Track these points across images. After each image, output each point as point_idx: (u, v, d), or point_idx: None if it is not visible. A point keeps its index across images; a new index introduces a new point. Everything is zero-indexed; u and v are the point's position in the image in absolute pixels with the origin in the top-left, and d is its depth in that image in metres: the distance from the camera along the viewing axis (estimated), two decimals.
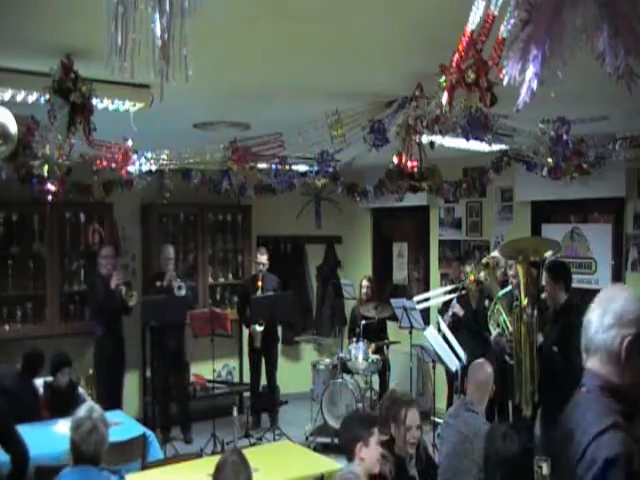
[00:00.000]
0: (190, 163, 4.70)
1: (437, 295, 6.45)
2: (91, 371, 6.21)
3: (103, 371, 6.09)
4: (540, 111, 3.30)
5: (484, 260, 5.14)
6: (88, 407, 2.81)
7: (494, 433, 2.64)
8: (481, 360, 3.89)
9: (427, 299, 6.48)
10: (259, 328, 6.73)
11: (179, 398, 6.78)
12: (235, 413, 4.89)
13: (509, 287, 4.79)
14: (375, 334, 6.80)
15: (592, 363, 1.80)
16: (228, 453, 2.71)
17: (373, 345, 6.65)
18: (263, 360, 7.02)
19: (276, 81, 3.59)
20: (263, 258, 6.86)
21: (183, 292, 6.39)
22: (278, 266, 7.52)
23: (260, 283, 6.79)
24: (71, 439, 2.73)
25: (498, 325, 4.62)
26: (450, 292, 6.16)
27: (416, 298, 6.43)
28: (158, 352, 6.68)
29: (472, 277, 5.79)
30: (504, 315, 4.49)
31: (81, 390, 5.30)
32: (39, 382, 5.09)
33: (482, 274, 5.03)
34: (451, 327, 5.79)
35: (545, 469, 2.98)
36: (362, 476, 2.97)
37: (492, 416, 5.40)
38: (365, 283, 7.15)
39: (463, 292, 6.00)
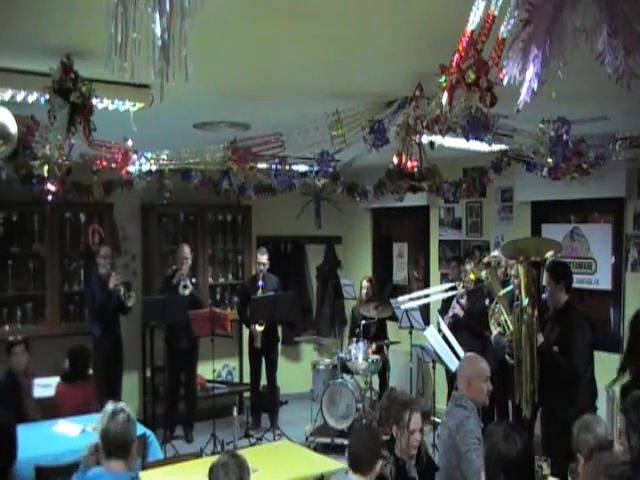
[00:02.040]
0: (190, 163, 4.69)
1: (432, 293, 6.44)
2: (91, 371, 6.19)
3: (101, 371, 6.09)
4: (540, 111, 3.30)
5: (485, 259, 5.14)
6: (112, 404, 2.82)
7: (494, 433, 2.63)
8: (468, 354, 3.88)
9: (420, 297, 6.45)
10: (259, 328, 6.73)
11: (188, 397, 6.81)
12: (235, 413, 4.89)
13: (510, 286, 4.78)
14: (375, 334, 6.80)
15: None
16: (221, 456, 2.71)
17: (373, 345, 6.65)
18: (263, 360, 7.03)
19: (276, 81, 3.59)
20: (263, 258, 6.87)
21: (187, 292, 6.43)
22: (278, 266, 7.52)
23: (260, 283, 6.79)
24: (105, 431, 2.71)
25: (499, 325, 4.62)
26: (447, 290, 6.15)
27: (401, 298, 6.37)
28: (171, 351, 6.68)
29: (472, 276, 5.79)
30: (505, 314, 4.49)
31: None
32: (54, 380, 5.11)
33: (483, 273, 5.03)
34: (451, 327, 5.79)
35: (545, 469, 2.98)
36: None
37: (492, 416, 5.41)
38: (365, 284, 7.14)
39: (462, 290, 6.01)
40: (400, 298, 6.39)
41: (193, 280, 6.59)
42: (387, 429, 3.36)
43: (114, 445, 2.70)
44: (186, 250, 6.64)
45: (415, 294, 6.50)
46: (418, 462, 3.37)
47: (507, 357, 4.45)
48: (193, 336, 6.51)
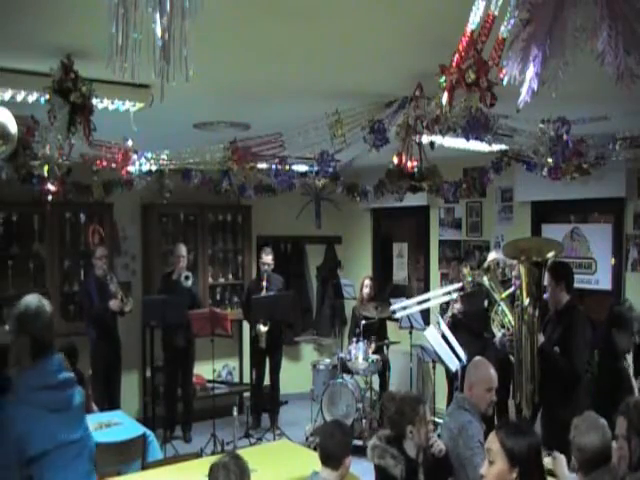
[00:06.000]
0: (190, 163, 4.69)
1: (437, 296, 6.43)
2: (90, 372, 6.19)
3: (101, 372, 6.09)
4: (540, 111, 3.30)
5: (485, 264, 5.12)
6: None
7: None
8: (477, 358, 3.86)
9: (426, 300, 6.44)
10: (264, 328, 6.72)
11: (185, 396, 6.81)
12: (235, 413, 4.89)
13: (512, 288, 4.77)
14: (375, 334, 6.80)
15: None
16: (222, 457, 2.69)
17: (373, 345, 6.65)
18: (267, 361, 7.02)
19: (276, 81, 3.59)
20: (268, 258, 6.87)
21: (190, 282, 6.46)
22: (278, 266, 7.51)
23: (265, 283, 6.79)
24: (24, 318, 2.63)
25: (503, 326, 4.60)
26: (450, 293, 6.14)
27: (415, 299, 6.37)
28: (168, 351, 6.67)
29: (469, 278, 5.77)
30: (509, 316, 4.48)
31: None
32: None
33: (485, 278, 5.01)
34: (451, 327, 5.78)
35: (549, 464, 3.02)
36: None
37: (492, 416, 5.40)
38: (367, 282, 7.14)
39: (461, 293, 6.00)
40: (404, 302, 6.34)
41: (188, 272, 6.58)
42: (397, 429, 3.30)
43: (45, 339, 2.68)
44: (182, 249, 6.66)
45: (419, 297, 6.49)
46: (425, 461, 3.34)
47: (511, 358, 4.43)
48: (190, 334, 6.52)
